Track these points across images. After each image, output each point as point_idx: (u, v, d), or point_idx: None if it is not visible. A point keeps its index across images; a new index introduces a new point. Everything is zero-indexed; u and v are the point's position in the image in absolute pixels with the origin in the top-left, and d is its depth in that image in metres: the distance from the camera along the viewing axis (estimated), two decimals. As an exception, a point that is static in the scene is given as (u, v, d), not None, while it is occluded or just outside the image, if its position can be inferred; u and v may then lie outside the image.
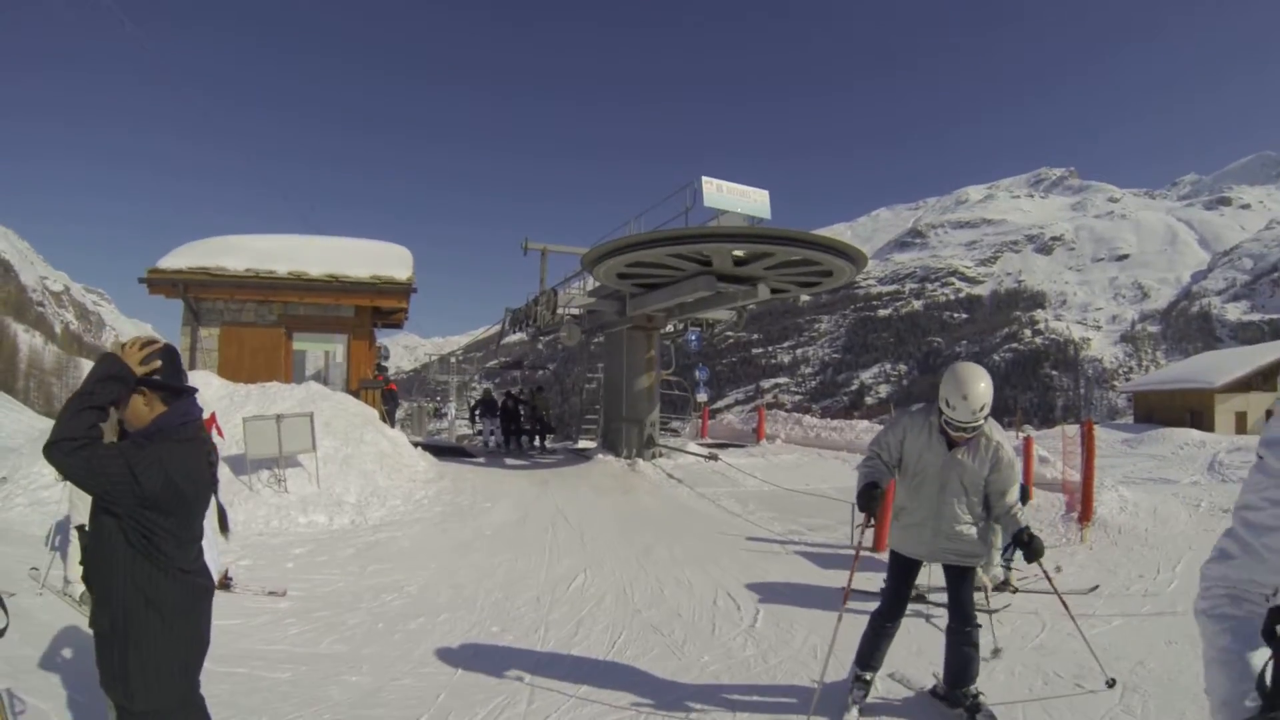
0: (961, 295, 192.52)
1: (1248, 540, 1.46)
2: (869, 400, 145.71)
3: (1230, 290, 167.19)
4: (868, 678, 3.79)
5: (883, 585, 5.85)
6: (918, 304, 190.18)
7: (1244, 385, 37.75)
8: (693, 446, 15.52)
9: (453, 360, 37.51)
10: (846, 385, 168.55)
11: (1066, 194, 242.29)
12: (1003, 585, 5.67)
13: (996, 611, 5.15)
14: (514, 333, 19.03)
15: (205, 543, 2.39)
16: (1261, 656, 1.41)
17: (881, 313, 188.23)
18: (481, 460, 14.53)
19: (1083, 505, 7.61)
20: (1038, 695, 3.88)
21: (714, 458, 13.92)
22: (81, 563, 2.25)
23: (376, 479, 9.52)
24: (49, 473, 6.94)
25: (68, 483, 3.89)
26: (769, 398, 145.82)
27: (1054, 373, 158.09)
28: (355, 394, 12.90)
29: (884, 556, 4.07)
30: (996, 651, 4.38)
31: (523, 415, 17.77)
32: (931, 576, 5.41)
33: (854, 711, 3.65)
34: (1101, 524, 7.58)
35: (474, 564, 6.86)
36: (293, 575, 6.27)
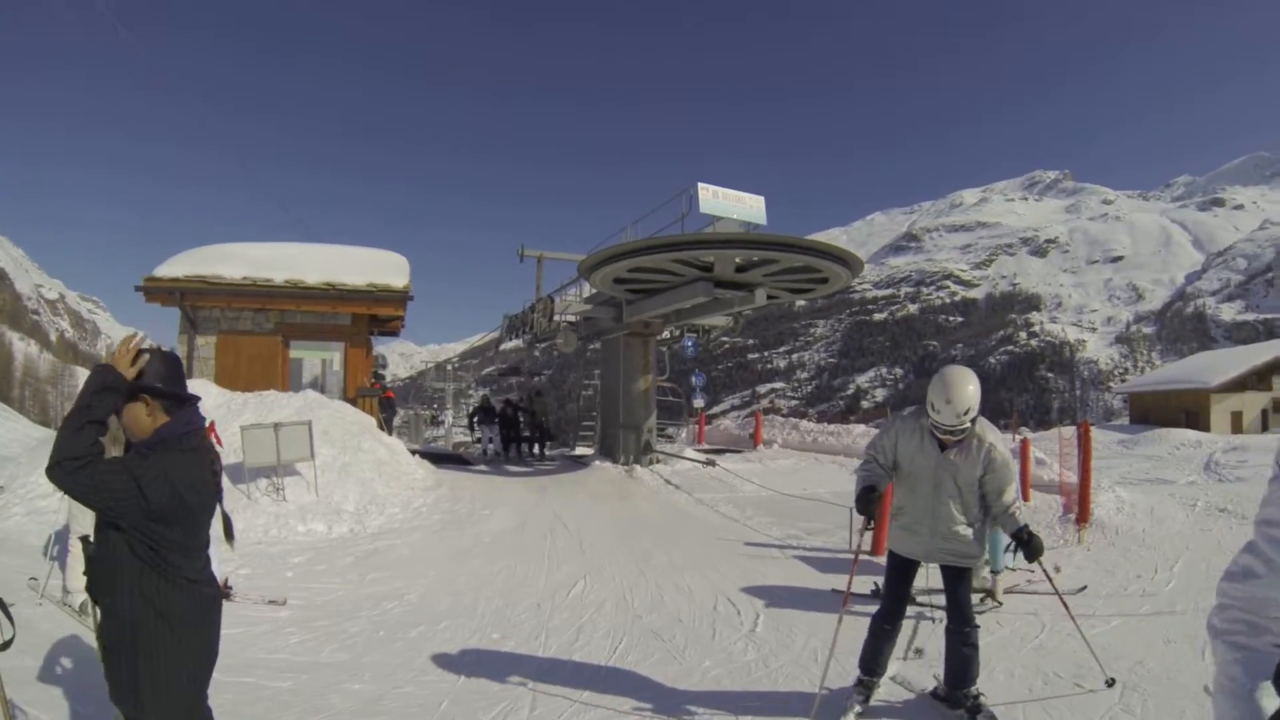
0: (957, 298, 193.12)
1: (1273, 557, 1.41)
2: (865, 404, 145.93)
3: (1224, 291, 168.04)
4: (871, 682, 3.80)
5: (874, 586, 5.88)
6: (913, 308, 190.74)
7: (1239, 385, 37.98)
8: (690, 452, 15.52)
9: (449, 367, 37.54)
10: (843, 390, 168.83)
11: (1061, 196, 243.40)
12: (987, 594, 5.50)
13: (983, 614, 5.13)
14: (510, 339, 19.04)
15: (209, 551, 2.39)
16: (1271, 699, 1.36)
17: (877, 317, 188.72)
18: (479, 468, 14.52)
19: (1080, 506, 7.63)
20: (1038, 695, 3.90)
21: (711, 463, 13.92)
22: (86, 573, 2.23)
23: (375, 487, 9.50)
24: (46, 482, 6.93)
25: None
26: (765, 403, 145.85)
27: (1050, 375, 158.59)
28: (353, 402, 12.88)
29: (883, 560, 4.10)
30: (918, 651, 4.40)
31: (522, 422, 17.70)
32: (929, 579, 5.44)
33: (850, 717, 3.66)
34: (1099, 525, 7.61)
35: (473, 571, 6.86)
36: (292, 584, 6.25)
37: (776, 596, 5.96)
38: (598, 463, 14.60)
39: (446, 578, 6.62)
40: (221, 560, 4.87)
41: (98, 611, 2.23)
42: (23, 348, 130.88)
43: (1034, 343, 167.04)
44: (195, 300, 13.26)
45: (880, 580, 5.97)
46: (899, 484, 3.76)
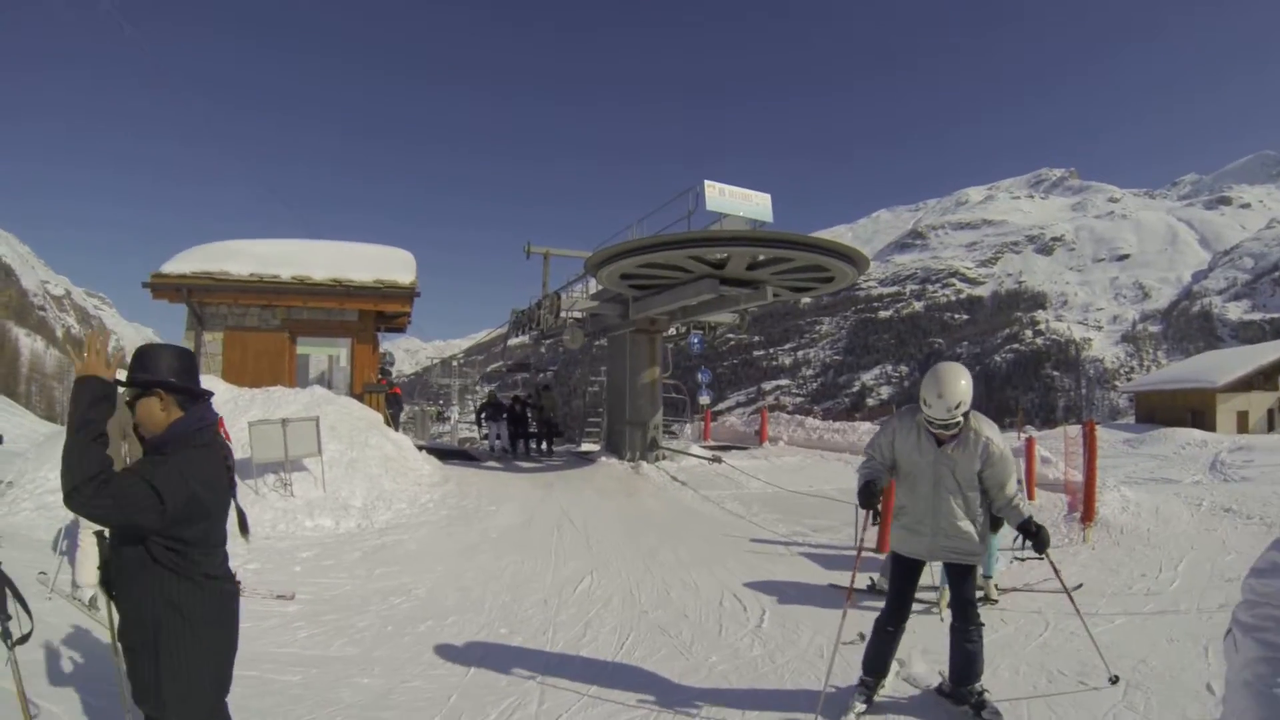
0: (962, 296, 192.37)
1: None
2: (870, 402, 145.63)
3: (1231, 290, 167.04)
4: (873, 682, 3.81)
5: (870, 581, 5.90)
6: (919, 305, 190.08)
7: (1245, 385, 37.81)
8: (696, 449, 15.54)
9: (455, 363, 37.62)
10: (848, 387, 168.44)
11: (1067, 194, 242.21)
12: (983, 598, 5.38)
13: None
14: (517, 335, 19.06)
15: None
16: None
17: (882, 314, 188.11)
18: (486, 463, 14.56)
19: (1085, 505, 7.63)
20: (1042, 692, 3.91)
21: (717, 460, 13.94)
22: (101, 571, 2.23)
23: (382, 482, 9.55)
24: (54, 477, 6.98)
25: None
26: (770, 400, 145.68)
27: (1055, 373, 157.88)
28: (359, 398, 12.94)
29: (883, 555, 4.11)
30: (861, 635, 4.37)
31: (530, 418, 17.61)
32: (934, 575, 5.46)
33: (852, 716, 3.68)
34: (1104, 524, 7.60)
35: (481, 566, 6.89)
36: (300, 579, 6.29)
37: (782, 592, 5.98)
38: (604, 459, 14.62)
39: (454, 573, 6.66)
40: (231, 555, 4.90)
41: (112, 608, 2.23)
42: (29, 343, 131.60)
43: (1039, 341, 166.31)
44: (202, 297, 13.31)
45: (876, 576, 6.01)
46: (900, 484, 3.78)
